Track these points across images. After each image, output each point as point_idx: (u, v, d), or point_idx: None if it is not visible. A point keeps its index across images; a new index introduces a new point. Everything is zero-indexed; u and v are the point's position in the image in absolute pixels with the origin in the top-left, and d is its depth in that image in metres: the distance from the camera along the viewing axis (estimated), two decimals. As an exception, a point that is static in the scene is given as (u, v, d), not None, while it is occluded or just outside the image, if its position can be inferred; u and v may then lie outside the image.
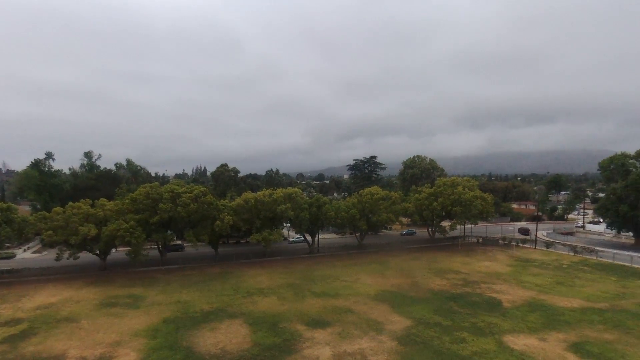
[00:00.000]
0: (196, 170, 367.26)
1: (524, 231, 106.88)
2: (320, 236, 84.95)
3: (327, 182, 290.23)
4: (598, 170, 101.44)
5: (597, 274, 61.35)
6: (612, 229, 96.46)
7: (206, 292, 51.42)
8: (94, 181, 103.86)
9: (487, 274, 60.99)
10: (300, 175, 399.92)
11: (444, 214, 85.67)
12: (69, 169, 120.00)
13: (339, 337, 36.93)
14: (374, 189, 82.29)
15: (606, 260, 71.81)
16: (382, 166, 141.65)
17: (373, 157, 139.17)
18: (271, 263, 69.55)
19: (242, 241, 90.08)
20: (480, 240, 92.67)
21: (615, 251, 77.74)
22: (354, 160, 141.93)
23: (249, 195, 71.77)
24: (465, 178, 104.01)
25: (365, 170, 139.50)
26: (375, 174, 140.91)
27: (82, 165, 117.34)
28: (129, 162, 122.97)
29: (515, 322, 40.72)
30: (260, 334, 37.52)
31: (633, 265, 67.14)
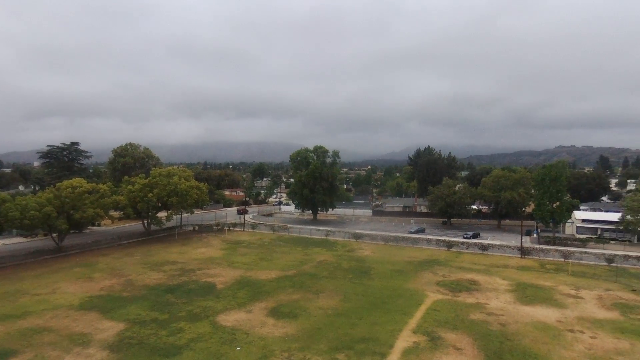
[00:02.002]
0: None
1: (242, 210, 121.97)
2: (-2, 243, 66.38)
3: (9, 171, 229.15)
4: (290, 160, 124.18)
5: (289, 247, 75.50)
6: (299, 209, 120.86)
7: None
8: None
9: (202, 260, 64.29)
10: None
11: (160, 205, 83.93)
12: None
13: (31, 365, 30.57)
14: (77, 181, 71.21)
15: (295, 234, 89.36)
16: (87, 154, 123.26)
17: (75, 143, 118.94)
18: None
19: None
20: (197, 228, 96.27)
21: (300, 226, 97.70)
22: (49, 146, 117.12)
23: None
24: (181, 167, 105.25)
25: (65, 159, 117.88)
26: (79, 163, 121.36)
27: None
28: None
29: (227, 301, 45.02)
30: None
31: (312, 237, 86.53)
